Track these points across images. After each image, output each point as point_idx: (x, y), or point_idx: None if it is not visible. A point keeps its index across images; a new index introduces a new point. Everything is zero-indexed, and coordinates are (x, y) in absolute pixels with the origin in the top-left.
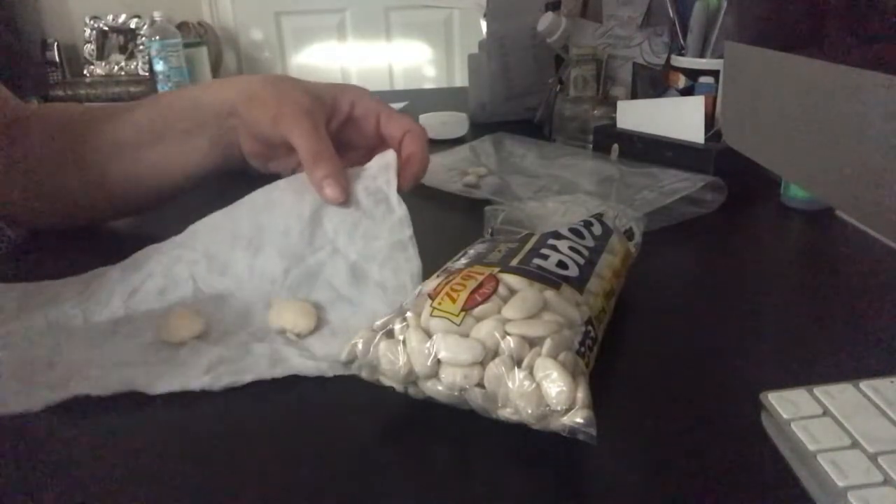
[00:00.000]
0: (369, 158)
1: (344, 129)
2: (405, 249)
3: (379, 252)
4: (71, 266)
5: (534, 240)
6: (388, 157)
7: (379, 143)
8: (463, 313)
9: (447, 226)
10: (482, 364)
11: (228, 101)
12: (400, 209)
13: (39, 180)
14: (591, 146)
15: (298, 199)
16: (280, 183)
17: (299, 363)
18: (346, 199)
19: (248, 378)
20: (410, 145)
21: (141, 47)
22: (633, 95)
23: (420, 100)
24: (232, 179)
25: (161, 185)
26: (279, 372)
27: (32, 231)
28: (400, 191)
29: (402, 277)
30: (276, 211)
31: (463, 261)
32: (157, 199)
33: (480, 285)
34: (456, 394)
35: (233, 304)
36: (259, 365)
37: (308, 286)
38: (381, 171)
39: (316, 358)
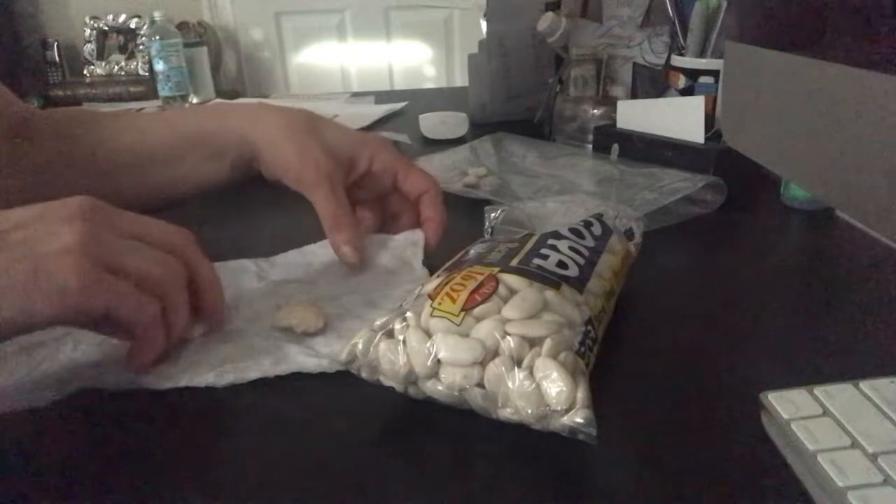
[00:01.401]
0: (381, 206)
1: (360, 181)
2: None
3: (395, 292)
4: None
5: (534, 240)
6: (416, 236)
7: (393, 194)
8: (463, 313)
9: (447, 226)
10: (482, 364)
11: (251, 141)
12: (422, 273)
13: (43, 182)
14: (591, 146)
15: (330, 261)
16: (312, 248)
17: (302, 360)
18: (361, 263)
19: (251, 376)
20: (428, 209)
21: (141, 47)
22: (633, 95)
23: (420, 100)
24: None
25: (174, 196)
26: (282, 370)
27: None
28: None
29: None
30: (305, 270)
31: (463, 261)
32: (167, 207)
33: (480, 285)
34: (456, 394)
35: (241, 306)
36: (262, 363)
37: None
38: (408, 245)
39: (319, 355)
